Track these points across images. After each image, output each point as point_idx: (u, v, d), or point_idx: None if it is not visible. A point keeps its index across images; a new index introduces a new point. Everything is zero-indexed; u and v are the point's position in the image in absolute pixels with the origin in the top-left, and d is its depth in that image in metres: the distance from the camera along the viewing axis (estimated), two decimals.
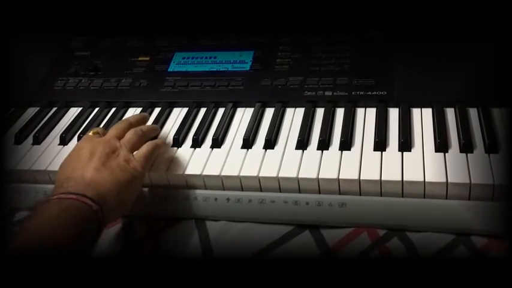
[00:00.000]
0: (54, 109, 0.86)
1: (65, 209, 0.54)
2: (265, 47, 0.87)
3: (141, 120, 0.74)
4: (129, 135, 0.67)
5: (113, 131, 0.68)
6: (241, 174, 0.67)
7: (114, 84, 0.86)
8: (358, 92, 0.76)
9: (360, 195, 0.64)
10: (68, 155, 0.65)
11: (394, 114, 0.73)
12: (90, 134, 0.68)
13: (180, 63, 0.88)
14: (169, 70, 0.87)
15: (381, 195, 0.63)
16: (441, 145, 0.66)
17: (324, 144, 0.69)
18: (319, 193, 0.65)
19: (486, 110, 0.70)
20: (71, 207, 0.55)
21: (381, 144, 0.67)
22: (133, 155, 0.64)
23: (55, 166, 0.73)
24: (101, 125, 0.80)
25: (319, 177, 0.65)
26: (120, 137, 0.66)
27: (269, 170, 0.67)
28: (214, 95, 0.81)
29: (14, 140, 0.80)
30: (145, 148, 0.66)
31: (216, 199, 0.68)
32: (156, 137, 0.74)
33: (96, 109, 0.84)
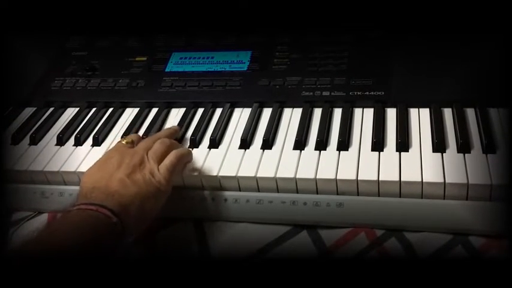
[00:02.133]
0: (51, 109, 0.85)
1: (83, 220, 0.55)
2: (262, 47, 0.87)
3: (172, 134, 0.73)
4: (156, 145, 0.66)
5: (142, 143, 0.67)
6: (238, 174, 0.67)
7: (111, 84, 0.86)
8: (355, 92, 0.76)
9: (358, 195, 0.64)
10: (96, 163, 0.64)
11: (391, 114, 0.73)
12: (124, 142, 0.67)
13: (178, 64, 0.88)
14: (166, 70, 0.87)
15: (379, 196, 0.63)
16: (439, 145, 0.66)
17: (321, 145, 0.69)
18: (317, 193, 0.65)
19: (483, 110, 0.70)
20: (90, 218, 0.55)
21: (378, 145, 0.67)
22: (158, 167, 0.63)
23: (52, 166, 0.73)
24: (98, 125, 0.80)
25: (317, 177, 0.65)
26: (147, 148, 0.65)
27: (267, 170, 0.67)
28: (212, 95, 0.81)
29: (11, 140, 0.79)
30: (168, 160, 0.64)
31: (213, 199, 0.67)
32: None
33: (93, 109, 0.84)
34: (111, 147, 0.75)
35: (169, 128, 0.75)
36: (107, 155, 0.65)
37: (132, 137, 0.69)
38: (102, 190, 0.59)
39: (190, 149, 0.71)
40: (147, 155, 0.64)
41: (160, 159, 0.64)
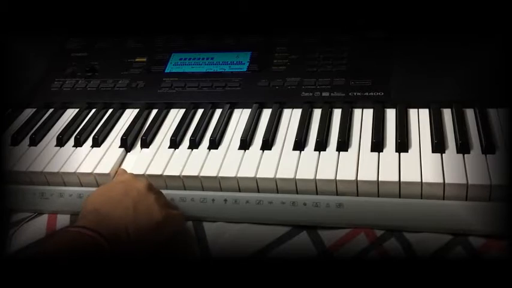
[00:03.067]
0: (51, 110, 0.85)
1: (72, 240, 0.55)
2: (262, 48, 0.87)
3: None
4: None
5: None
6: (238, 175, 0.67)
7: (111, 85, 0.86)
8: (355, 93, 0.76)
9: (357, 195, 0.64)
10: (104, 186, 0.65)
11: (391, 115, 0.73)
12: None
13: (177, 64, 0.88)
14: (166, 71, 0.87)
15: (378, 196, 0.64)
16: (438, 146, 0.66)
17: (321, 145, 0.69)
18: (317, 194, 0.65)
19: (483, 111, 0.70)
20: (77, 238, 0.55)
21: (378, 145, 0.67)
22: (168, 208, 0.64)
23: (52, 167, 0.73)
24: (98, 126, 0.80)
25: (317, 178, 0.65)
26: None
27: (266, 171, 0.67)
28: (212, 96, 0.81)
29: (11, 141, 0.79)
30: (179, 212, 0.66)
31: (213, 200, 0.67)
32: None
33: (93, 110, 0.84)
34: (110, 148, 0.76)
35: None
36: (119, 178, 0.66)
37: None
38: (103, 218, 0.58)
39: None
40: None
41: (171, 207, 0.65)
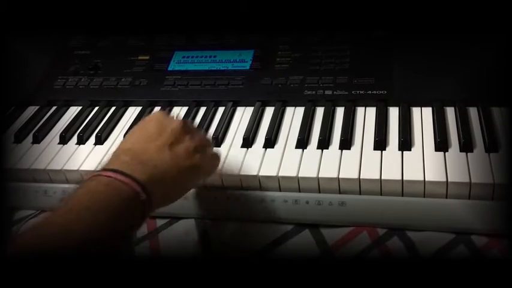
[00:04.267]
0: (54, 108, 0.85)
1: (111, 189, 0.50)
2: (265, 46, 0.87)
3: None
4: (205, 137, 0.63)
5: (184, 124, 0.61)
6: (240, 173, 0.67)
7: (114, 83, 0.86)
8: (358, 91, 0.76)
9: (360, 194, 0.64)
10: (139, 124, 0.60)
11: (394, 113, 0.73)
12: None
13: (180, 62, 0.88)
14: (169, 69, 0.87)
15: (381, 194, 0.63)
16: (441, 144, 0.66)
17: (323, 143, 0.69)
18: (319, 192, 0.65)
19: (486, 109, 0.70)
20: (119, 191, 0.50)
21: (380, 144, 0.67)
22: (203, 150, 0.59)
23: (55, 165, 0.73)
24: (101, 124, 0.80)
25: (319, 176, 0.65)
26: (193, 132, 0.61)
27: (269, 169, 0.67)
28: (214, 94, 0.81)
29: (14, 139, 0.80)
30: (215, 152, 0.63)
31: (215, 198, 0.67)
32: None
33: (96, 108, 0.84)
34: (113, 146, 0.76)
35: None
36: (152, 117, 0.60)
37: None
38: (137, 156, 0.54)
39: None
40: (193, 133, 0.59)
41: (204, 148, 0.60)
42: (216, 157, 0.64)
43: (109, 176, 0.51)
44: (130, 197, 0.50)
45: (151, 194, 0.52)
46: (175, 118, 0.61)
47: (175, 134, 0.57)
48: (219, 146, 0.73)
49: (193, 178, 0.59)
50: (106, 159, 0.56)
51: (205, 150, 0.60)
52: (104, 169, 0.52)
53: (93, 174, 0.52)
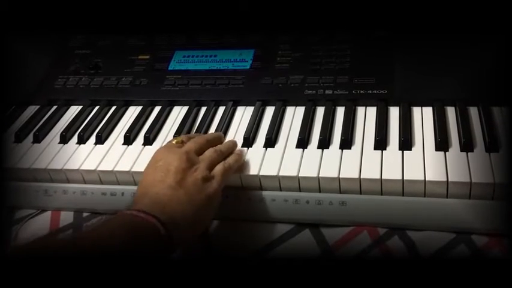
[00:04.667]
0: (55, 107, 0.85)
1: (129, 224, 0.52)
2: (265, 46, 0.87)
3: (218, 138, 0.70)
4: (209, 152, 0.63)
5: (191, 144, 0.63)
6: (241, 172, 0.67)
7: (115, 82, 0.86)
8: (358, 91, 0.76)
9: (361, 193, 0.64)
10: (146, 167, 0.62)
11: (394, 113, 0.73)
12: (174, 142, 0.64)
13: (181, 62, 0.88)
14: (169, 68, 0.87)
15: (382, 194, 0.63)
16: (442, 144, 0.66)
17: (324, 143, 0.69)
18: (320, 192, 0.65)
19: (487, 109, 0.70)
20: (135, 224, 0.52)
21: (381, 143, 0.67)
22: (211, 174, 0.60)
23: (55, 164, 0.73)
24: (102, 123, 0.80)
25: (320, 175, 0.65)
26: (198, 152, 0.63)
27: (269, 169, 0.67)
28: (215, 94, 0.81)
29: (14, 138, 0.80)
30: (222, 167, 0.62)
31: None
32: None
33: (96, 107, 0.84)
34: (113, 145, 0.76)
35: (215, 133, 0.72)
36: (156, 157, 0.62)
37: (182, 137, 0.66)
38: (153, 199, 0.56)
39: (243, 151, 0.68)
40: (198, 159, 0.61)
41: (211, 167, 0.61)
42: (228, 168, 0.63)
43: (132, 214, 0.53)
44: (150, 232, 0.52)
45: (172, 231, 0.53)
46: (184, 144, 0.63)
47: (180, 172, 0.58)
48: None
49: (211, 206, 0.59)
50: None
51: (213, 176, 0.60)
52: (130, 208, 0.55)
53: (120, 213, 0.54)
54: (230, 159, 0.65)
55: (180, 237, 0.54)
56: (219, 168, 0.62)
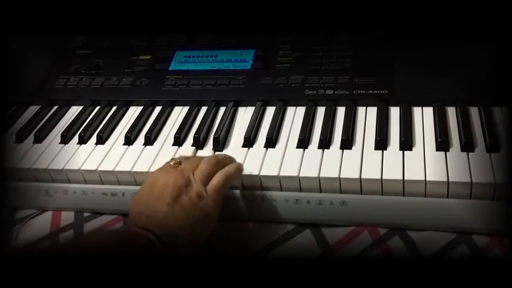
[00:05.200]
0: (55, 108, 0.86)
1: (123, 235, 0.54)
2: (266, 46, 0.87)
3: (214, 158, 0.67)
4: (203, 165, 0.63)
5: (187, 163, 0.64)
6: (242, 173, 0.67)
7: (115, 82, 0.87)
8: (359, 91, 0.76)
9: (361, 193, 0.64)
10: (142, 187, 0.62)
11: (395, 113, 0.73)
12: (171, 163, 0.64)
13: (181, 62, 0.88)
14: (170, 69, 0.87)
15: (382, 194, 0.63)
16: (442, 144, 0.66)
17: (325, 143, 0.69)
18: (320, 192, 0.65)
19: (487, 109, 0.70)
20: (131, 237, 0.54)
21: (382, 143, 0.67)
22: (205, 189, 0.60)
23: (56, 165, 0.73)
24: (102, 123, 0.80)
25: (320, 176, 0.65)
26: (193, 169, 0.62)
27: (270, 169, 0.67)
28: (215, 94, 0.81)
29: (15, 138, 0.80)
30: (216, 181, 0.61)
31: None
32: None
33: (97, 108, 0.84)
34: (114, 145, 0.76)
35: (213, 155, 0.69)
36: (152, 178, 0.62)
37: (179, 158, 0.66)
38: (149, 217, 0.57)
39: (239, 164, 0.66)
40: (193, 175, 0.61)
41: (207, 180, 0.61)
42: (223, 181, 0.62)
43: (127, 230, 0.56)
44: (143, 241, 0.54)
45: (171, 244, 0.55)
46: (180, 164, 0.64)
47: (176, 189, 0.59)
48: (219, 145, 0.72)
49: (208, 220, 0.60)
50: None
51: (208, 191, 0.60)
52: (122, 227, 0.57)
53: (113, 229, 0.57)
54: (225, 171, 0.63)
55: (178, 245, 0.56)
56: (214, 182, 0.61)
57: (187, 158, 0.66)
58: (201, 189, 0.60)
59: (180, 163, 0.64)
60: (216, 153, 0.71)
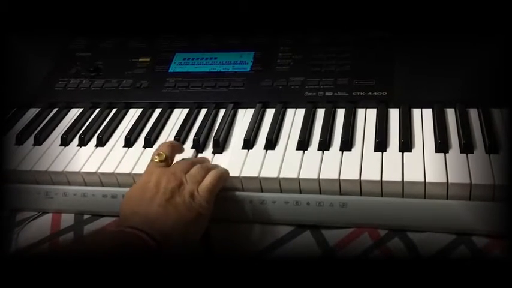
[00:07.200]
0: (55, 110, 0.86)
1: (115, 237, 0.54)
2: (265, 48, 0.87)
3: (204, 160, 0.70)
4: (196, 169, 0.64)
5: (179, 165, 0.65)
6: (241, 175, 0.67)
7: (115, 85, 0.87)
8: (358, 93, 0.76)
9: (361, 195, 0.64)
10: (134, 186, 0.63)
11: (394, 114, 0.73)
12: (157, 160, 0.64)
13: (181, 64, 0.88)
14: (170, 71, 0.87)
15: (382, 196, 0.64)
16: (442, 145, 0.66)
17: (324, 145, 0.69)
18: (320, 193, 0.65)
19: (486, 111, 0.70)
20: (123, 236, 0.54)
21: (381, 145, 0.67)
22: (198, 189, 0.61)
23: (56, 167, 0.73)
24: (102, 125, 0.80)
25: (320, 177, 0.65)
26: (185, 171, 0.63)
27: (270, 171, 0.67)
28: (215, 96, 0.82)
29: (15, 140, 0.80)
30: (208, 181, 0.62)
31: (216, 199, 0.67)
32: None
33: (97, 110, 0.84)
34: (114, 147, 0.76)
35: (203, 157, 0.72)
36: (144, 178, 0.63)
37: (162, 150, 0.65)
38: (142, 216, 0.57)
39: (227, 169, 0.67)
40: (185, 176, 0.62)
41: (199, 182, 0.62)
42: (215, 181, 0.63)
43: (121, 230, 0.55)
44: (138, 242, 0.54)
45: (164, 243, 0.55)
46: (167, 158, 0.64)
47: (169, 191, 0.60)
48: (219, 147, 0.73)
49: (200, 220, 0.60)
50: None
51: (200, 192, 0.61)
52: (117, 226, 0.57)
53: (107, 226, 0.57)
54: (217, 171, 0.64)
55: (172, 245, 0.56)
56: (206, 183, 0.62)
57: (170, 148, 0.66)
58: (193, 190, 0.61)
59: (165, 157, 0.64)
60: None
